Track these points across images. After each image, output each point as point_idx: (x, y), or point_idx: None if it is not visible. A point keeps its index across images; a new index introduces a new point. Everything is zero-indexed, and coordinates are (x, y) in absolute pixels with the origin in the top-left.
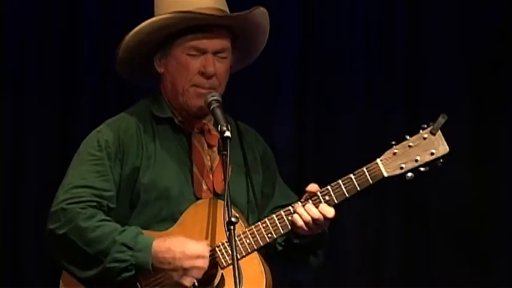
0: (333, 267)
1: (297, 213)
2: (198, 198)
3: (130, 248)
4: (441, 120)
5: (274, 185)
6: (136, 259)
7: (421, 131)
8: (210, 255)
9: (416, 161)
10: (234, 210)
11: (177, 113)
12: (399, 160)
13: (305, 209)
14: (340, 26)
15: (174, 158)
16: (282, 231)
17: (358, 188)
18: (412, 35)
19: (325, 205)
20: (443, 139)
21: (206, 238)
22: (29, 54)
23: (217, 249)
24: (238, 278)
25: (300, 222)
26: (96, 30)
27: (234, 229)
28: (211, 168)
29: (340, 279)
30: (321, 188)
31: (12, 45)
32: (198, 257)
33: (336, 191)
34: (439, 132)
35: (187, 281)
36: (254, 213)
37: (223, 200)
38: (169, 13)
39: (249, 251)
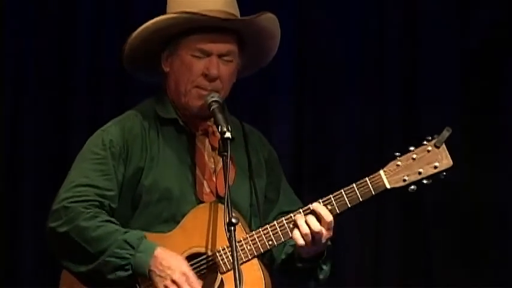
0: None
1: (297, 225)
2: (200, 201)
3: (132, 247)
4: (446, 133)
5: (278, 189)
6: (136, 259)
7: (425, 143)
8: (210, 260)
9: (420, 173)
10: (235, 213)
11: (181, 113)
12: (402, 172)
13: (306, 220)
14: (337, 26)
15: (178, 160)
16: (283, 239)
17: (360, 199)
18: (407, 34)
19: (323, 208)
20: (447, 152)
21: (207, 242)
22: (27, 55)
23: (217, 254)
24: (238, 279)
25: (301, 241)
26: (91, 31)
27: (235, 230)
28: (214, 171)
29: (339, 279)
30: (322, 197)
31: (10, 45)
32: (189, 282)
33: (338, 200)
34: (443, 145)
35: None
36: (257, 217)
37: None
38: (174, 13)
39: (249, 257)
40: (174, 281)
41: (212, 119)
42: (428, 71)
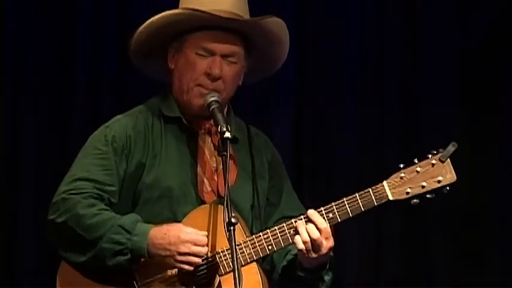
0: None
1: (298, 232)
2: (201, 200)
3: (128, 232)
4: (451, 148)
5: (281, 193)
6: (133, 243)
7: (429, 156)
8: (209, 261)
9: (423, 187)
10: (234, 213)
11: (184, 112)
12: (406, 185)
13: (306, 228)
14: (337, 26)
15: (180, 158)
16: (283, 245)
17: (363, 209)
18: (407, 35)
19: (318, 216)
20: (451, 167)
21: (208, 244)
22: (27, 55)
23: (216, 256)
24: (238, 279)
25: (301, 245)
26: (91, 31)
27: (234, 229)
28: (216, 170)
29: (339, 279)
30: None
31: (10, 45)
32: (194, 243)
33: (340, 209)
34: (448, 160)
35: (186, 266)
36: (258, 219)
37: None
38: (178, 9)
39: (248, 261)
40: (182, 253)
41: None
42: (428, 71)
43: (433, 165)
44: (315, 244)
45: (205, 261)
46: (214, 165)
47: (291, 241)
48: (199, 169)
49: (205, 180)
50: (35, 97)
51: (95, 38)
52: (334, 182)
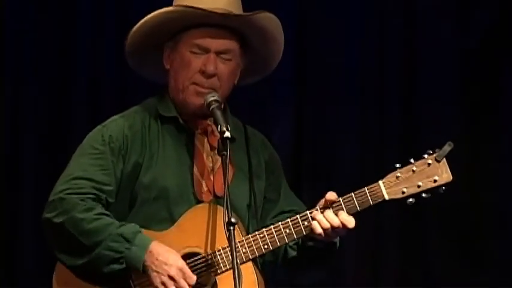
0: (331, 267)
1: (316, 219)
2: (198, 200)
3: (127, 241)
4: (447, 148)
5: (279, 190)
6: (130, 253)
7: (425, 156)
8: (204, 261)
9: (419, 186)
10: (234, 214)
11: (181, 111)
12: (401, 184)
13: (324, 216)
14: (337, 26)
15: (177, 158)
16: (278, 244)
17: (358, 208)
18: (407, 34)
19: (346, 214)
20: (447, 167)
21: (203, 242)
22: (27, 55)
23: (213, 254)
24: (238, 279)
25: (319, 230)
26: (91, 31)
27: (234, 229)
28: (212, 170)
29: (338, 279)
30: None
31: (10, 45)
32: (185, 277)
33: (336, 209)
34: (444, 159)
35: None
36: (254, 218)
37: (223, 202)
38: (171, 7)
39: (244, 260)
40: (171, 277)
41: (211, 118)
42: (428, 71)
43: (429, 164)
44: (336, 231)
45: (201, 260)
46: (211, 165)
47: (287, 240)
48: (195, 169)
49: (202, 180)
50: (35, 97)
51: (95, 38)
52: (334, 182)
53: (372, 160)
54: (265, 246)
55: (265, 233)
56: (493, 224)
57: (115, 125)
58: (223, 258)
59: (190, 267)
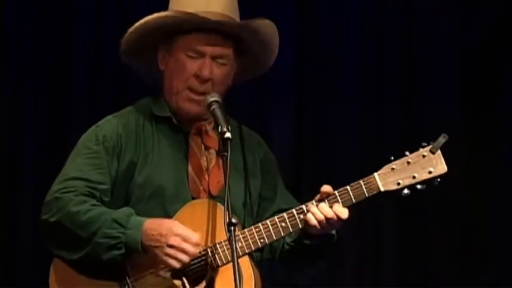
0: (331, 267)
1: (311, 212)
2: (193, 199)
3: (122, 226)
4: (441, 139)
5: (275, 189)
6: (127, 237)
7: (420, 148)
8: (202, 255)
9: (414, 177)
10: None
11: (175, 112)
12: (396, 176)
13: (319, 208)
14: (337, 26)
15: (171, 158)
16: (275, 237)
17: (354, 200)
18: (407, 34)
19: (340, 206)
20: (442, 158)
21: (202, 237)
22: (27, 55)
23: (208, 250)
24: (238, 279)
25: (314, 221)
26: (91, 31)
27: (235, 230)
28: (207, 170)
29: (339, 279)
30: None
31: (10, 45)
32: (185, 239)
33: (332, 201)
34: (439, 151)
35: (173, 262)
36: (250, 216)
37: (220, 201)
38: (170, 12)
39: (240, 254)
40: (171, 246)
41: (207, 119)
42: (428, 70)
43: (424, 156)
44: (331, 223)
45: (199, 254)
46: (205, 164)
47: (283, 234)
48: (190, 168)
49: (197, 180)
50: (35, 97)
51: (95, 38)
52: (334, 182)
53: (372, 160)
54: (261, 240)
55: (261, 227)
56: (493, 224)
57: (109, 125)
58: (219, 253)
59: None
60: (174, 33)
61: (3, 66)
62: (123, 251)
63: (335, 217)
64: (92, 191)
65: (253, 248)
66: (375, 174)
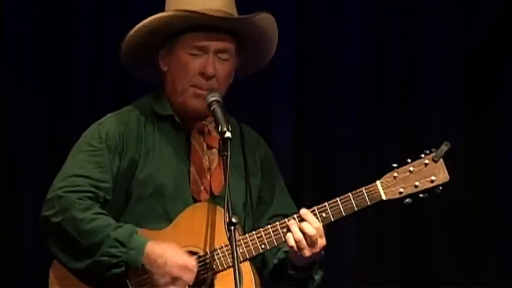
0: (330, 267)
1: (291, 231)
2: (194, 198)
3: (123, 245)
4: (444, 148)
5: (273, 191)
6: (128, 256)
7: (422, 156)
8: (202, 260)
9: (416, 186)
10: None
11: (177, 112)
12: (399, 184)
13: (299, 227)
14: (337, 26)
15: (173, 156)
16: (276, 243)
17: (356, 208)
18: (407, 34)
19: (311, 215)
20: (444, 167)
21: (200, 241)
22: (27, 55)
23: (210, 253)
24: (238, 279)
25: (292, 242)
26: (91, 31)
27: (235, 230)
28: (209, 169)
29: (339, 279)
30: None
31: (10, 45)
32: (186, 269)
33: (333, 208)
34: (441, 159)
35: None
36: (250, 217)
37: (221, 201)
38: (171, 11)
39: (241, 259)
40: (174, 278)
41: (208, 118)
42: (428, 70)
43: (426, 165)
44: (308, 242)
45: (200, 259)
46: (208, 164)
47: (284, 240)
48: (192, 167)
49: (198, 179)
50: (35, 97)
51: (94, 38)
52: (335, 182)
53: (372, 160)
54: (263, 246)
55: (262, 232)
56: (493, 224)
57: (111, 122)
58: (220, 258)
59: None
60: (174, 33)
61: (3, 66)
62: (123, 269)
63: (315, 234)
64: (95, 190)
65: (254, 254)
66: (377, 182)
